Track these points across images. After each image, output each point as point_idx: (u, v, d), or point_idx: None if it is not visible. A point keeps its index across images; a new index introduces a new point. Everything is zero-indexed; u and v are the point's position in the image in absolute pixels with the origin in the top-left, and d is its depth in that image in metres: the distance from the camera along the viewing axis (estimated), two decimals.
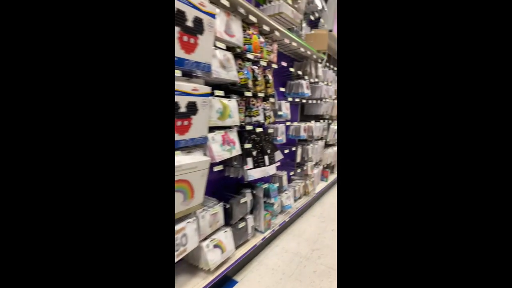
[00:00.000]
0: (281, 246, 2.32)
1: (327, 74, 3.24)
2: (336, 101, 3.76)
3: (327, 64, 3.29)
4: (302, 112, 3.41)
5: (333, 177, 4.10)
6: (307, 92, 2.69)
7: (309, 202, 3.10)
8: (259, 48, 1.69)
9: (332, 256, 2.20)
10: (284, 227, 2.57)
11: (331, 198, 3.66)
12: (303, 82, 2.65)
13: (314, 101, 3.13)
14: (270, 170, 2.02)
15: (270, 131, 2.03)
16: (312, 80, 2.81)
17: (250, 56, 1.63)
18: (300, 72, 2.70)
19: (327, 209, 3.24)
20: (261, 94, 1.82)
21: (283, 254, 2.20)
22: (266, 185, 2.13)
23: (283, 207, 2.54)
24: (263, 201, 2.30)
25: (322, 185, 3.66)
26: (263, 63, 1.79)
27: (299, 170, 2.93)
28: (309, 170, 3.04)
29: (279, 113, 2.29)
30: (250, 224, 1.98)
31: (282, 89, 2.21)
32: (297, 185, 2.89)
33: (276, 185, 2.29)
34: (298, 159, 2.84)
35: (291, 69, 2.34)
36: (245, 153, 1.80)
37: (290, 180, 3.10)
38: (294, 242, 2.40)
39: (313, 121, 2.97)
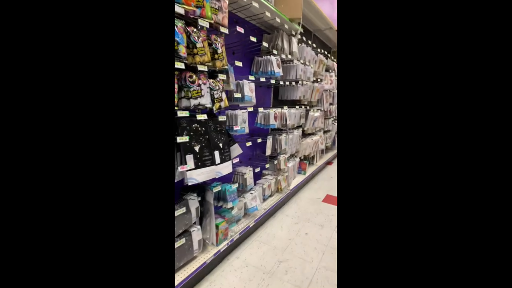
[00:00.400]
0: (242, 258, 1.92)
1: (304, 51, 2.76)
2: (316, 84, 3.32)
3: (304, 39, 2.79)
4: (276, 96, 2.94)
5: (312, 169, 3.73)
6: (278, 71, 2.22)
7: (282, 199, 2.71)
8: (194, 0, 1.18)
9: (302, 269, 1.83)
10: (249, 233, 2.17)
11: (309, 193, 3.29)
12: (272, 58, 2.17)
13: (288, 84, 2.66)
14: (223, 169, 1.57)
15: (222, 119, 1.56)
16: (284, 57, 2.32)
17: (178, 9, 1.12)
18: (268, 46, 2.21)
19: (303, 206, 2.87)
20: (202, 68, 1.33)
21: (243, 269, 1.80)
22: (218, 188, 1.68)
23: (247, 209, 2.13)
24: (218, 206, 1.87)
25: (299, 179, 3.28)
26: (203, 23, 1.29)
27: (267, 166, 2.49)
28: (281, 164, 2.62)
29: (236, 95, 1.81)
30: (197, 238, 1.55)
31: (238, 64, 1.72)
32: (267, 182, 2.47)
33: (235, 186, 1.85)
34: (268, 152, 2.41)
35: (252, 38, 1.83)
36: (184, 149, 1.33)
37: (259, 177, 2.68)
38: (259, 252, 2.01)
39: (285, 107, 2.52)
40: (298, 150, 3.22)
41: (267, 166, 2.40)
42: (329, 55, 3.95)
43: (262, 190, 2.39)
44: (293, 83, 2.72)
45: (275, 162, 2.58)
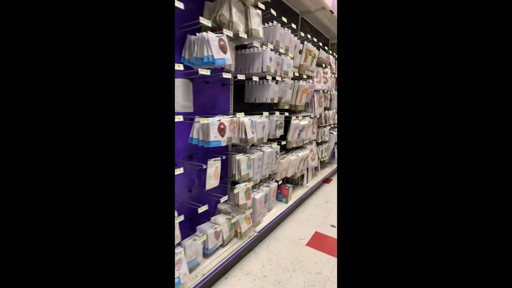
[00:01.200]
0: None
1: (276, 32, 1.91)
2: (301, 82, 2.46)
3: (273, 14, 1.94)
4: (241, 98, 2.11)
5: (299, 193, 2.85)
6: (222, 57, 1.39)
7: (242, 248, 1.85)
8: None
9: None
10: None
11: (291, 229, 2.41)
12: (211, 36, 1.34)
13: (252, 81, 1.82)
14: None
15: None
16: (230, 35, 1.49)
17: None
18: (204, 21, 1.38)
19: (277, 255, 1.99)
20: None
21: None
22: None
23: None
24: None
25: (278, 210, 2.41)
26: None
27: (201, 210, 1.64)
28: (241, 197, 1.77)
29: None
30: None
31: None
32: (212, 228, 1.62)
33: None
34: (213, 184, 1.56)
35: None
36: None
37: (213, 213, 1.82)
38: None
39: (241, 114, 1.67)
40: (276, 172, 2.36)
41: (200, 210, 1.52)
42: (322, 46, 3.08)
43: (202, 243, 1.55)
44: (260, 80, 1.88)
45: (224, 199, 1.72)
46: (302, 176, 3.05)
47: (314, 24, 3.14)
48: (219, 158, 1.57)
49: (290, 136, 2.46)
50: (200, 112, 1.67)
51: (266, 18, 1.88)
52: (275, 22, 1.88)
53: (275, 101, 2.06)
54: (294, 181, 3.00)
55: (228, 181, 2.01)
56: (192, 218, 1.75)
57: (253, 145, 2.02)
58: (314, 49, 2.59)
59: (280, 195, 2.61)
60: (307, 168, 3.05)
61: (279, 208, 2.47)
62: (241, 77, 1.56)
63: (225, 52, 1.42)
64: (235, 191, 1.71)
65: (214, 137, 1.45)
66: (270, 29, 1.89)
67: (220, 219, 1.75)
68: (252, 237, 1.96)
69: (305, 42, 2.44)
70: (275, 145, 2.20)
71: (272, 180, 2.39)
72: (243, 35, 1.50)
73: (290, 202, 2.63)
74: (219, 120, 1.47)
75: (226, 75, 1.43)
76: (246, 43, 1.69)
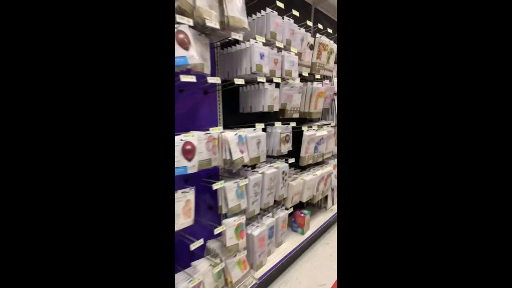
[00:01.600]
0: None
1: (270, 21, 1.49)
2: (316, 85, 1.98)
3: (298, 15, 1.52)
4: (235, 107, 1.72)
5: (321, 220, 2.29)
6: (181, 55, 1.03)
7: None
8: None
9: None
10: None
11: (309, 270, 1.88)
12: None
13: (246, 85, 1.42)
14: None
15: None
16: (188, 24, 1.12)
17: None
18: None
19: None
20: None
21: None
22: None
23: None
24: None
25: (291, 244, 1.92)
26: None
27: (213, 241, 1.26)
28: (229, 237, 1.35)
29: None
30: None
31: None
32: (187, 281, 1.22)
33: None
34: (180, 223, 1.17)
35: None
36: None
37: (182, 266, 1.42)
38: None
39: (218, 129, 1.27)
40: (285, 197, 1.89)
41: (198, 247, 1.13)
42: None
43: None
44: (241, 82, 1.47)
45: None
46: (326, 197, 2.50)
47: (329, 13, 2.64)
48: (189, 189, 1.18)
49: (304, 151, 1.97)
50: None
51: (258, 6, 1.49)
52: (268, 10, 1.48)
53: (276, 109, 1.63)
54: (315, 205, 2.46)
55: (220, 214, 1.61)
56: None
57: (249, 166, 1.60)
58: (330, 42, 2.10)
59: (295, 225, 2.10)
60: (331, 188, 2.49)
61: (292, 242, 1.97)
62: (212, 80, 1.17)
63: (186, 49, 1.06)
64: (217, 231, 1.30)
65: (176, 162, 1.08)
66: (262, 19, 1.48)
67: (202, 265, 1.35)
68: (250, 286, 1.50)
69: (318, 35, 1.98)
70: (281, 164, 1.74)
71: (281, 207, 1.91)
72: (213, 24, 1.12)
73: (308, 233, 2.11)
74: (182, 140, 1.09)
75: (185, 78, 1.05)
76: (229, 38, 1.31)
